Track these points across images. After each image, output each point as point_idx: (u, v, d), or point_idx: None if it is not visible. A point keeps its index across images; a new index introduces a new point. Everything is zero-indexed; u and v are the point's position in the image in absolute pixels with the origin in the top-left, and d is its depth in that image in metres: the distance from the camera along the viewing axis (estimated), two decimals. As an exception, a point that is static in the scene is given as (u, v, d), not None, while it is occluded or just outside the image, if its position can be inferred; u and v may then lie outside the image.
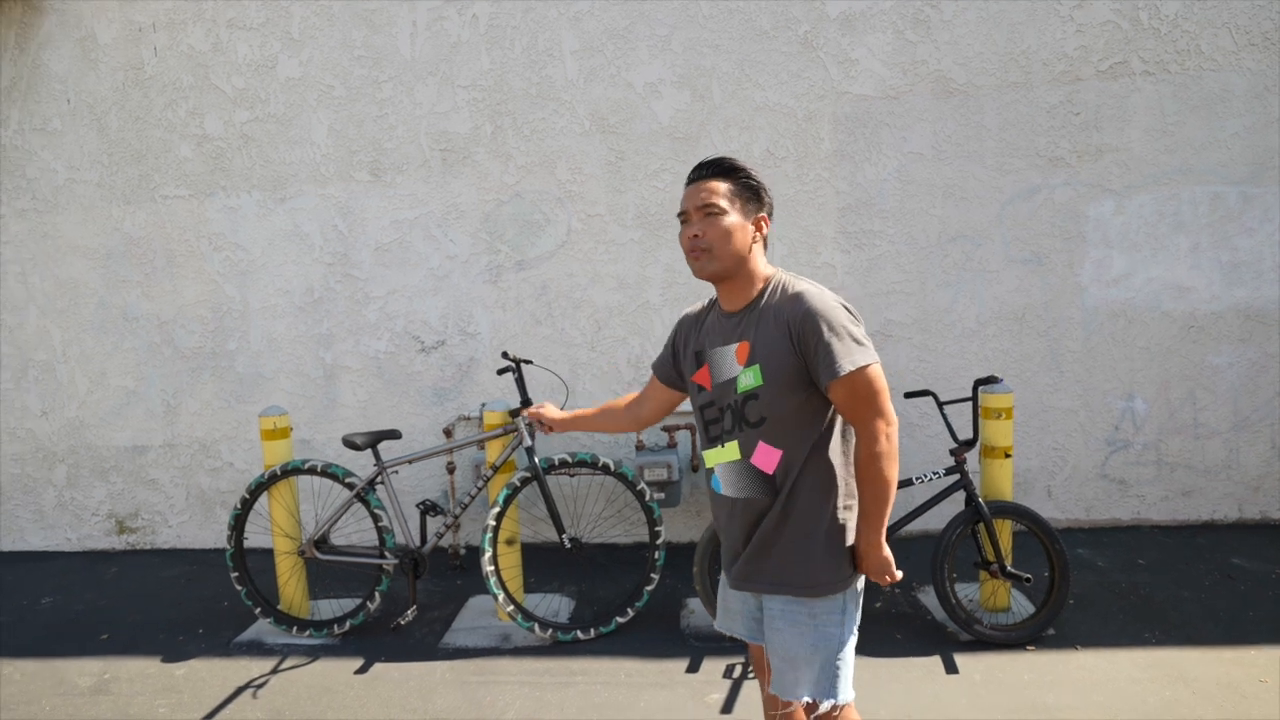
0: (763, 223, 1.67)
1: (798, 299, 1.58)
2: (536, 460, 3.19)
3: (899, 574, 1.64)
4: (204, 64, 4.21)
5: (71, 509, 4.65)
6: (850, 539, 1.65)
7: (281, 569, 3.44)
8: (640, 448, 3.89)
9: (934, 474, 3.14)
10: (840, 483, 1.63)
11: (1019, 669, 2.86)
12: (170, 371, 4.45)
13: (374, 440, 3.26)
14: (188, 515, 4.56)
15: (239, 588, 3.40)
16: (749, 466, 1.64)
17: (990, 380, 3.07)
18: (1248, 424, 4.02)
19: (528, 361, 3.30)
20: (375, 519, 3.30)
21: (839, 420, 1.64)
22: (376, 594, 3.31)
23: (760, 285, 1.65)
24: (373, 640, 3.31)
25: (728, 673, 2.91)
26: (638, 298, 4.12)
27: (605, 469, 3.22)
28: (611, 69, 4.01)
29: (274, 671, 3.11)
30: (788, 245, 4.04)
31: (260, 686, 3.00)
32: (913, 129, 3.93)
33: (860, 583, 1.70)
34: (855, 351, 1.53)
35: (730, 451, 1.67)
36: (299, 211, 4.27)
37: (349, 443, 3.23)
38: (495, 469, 3.27)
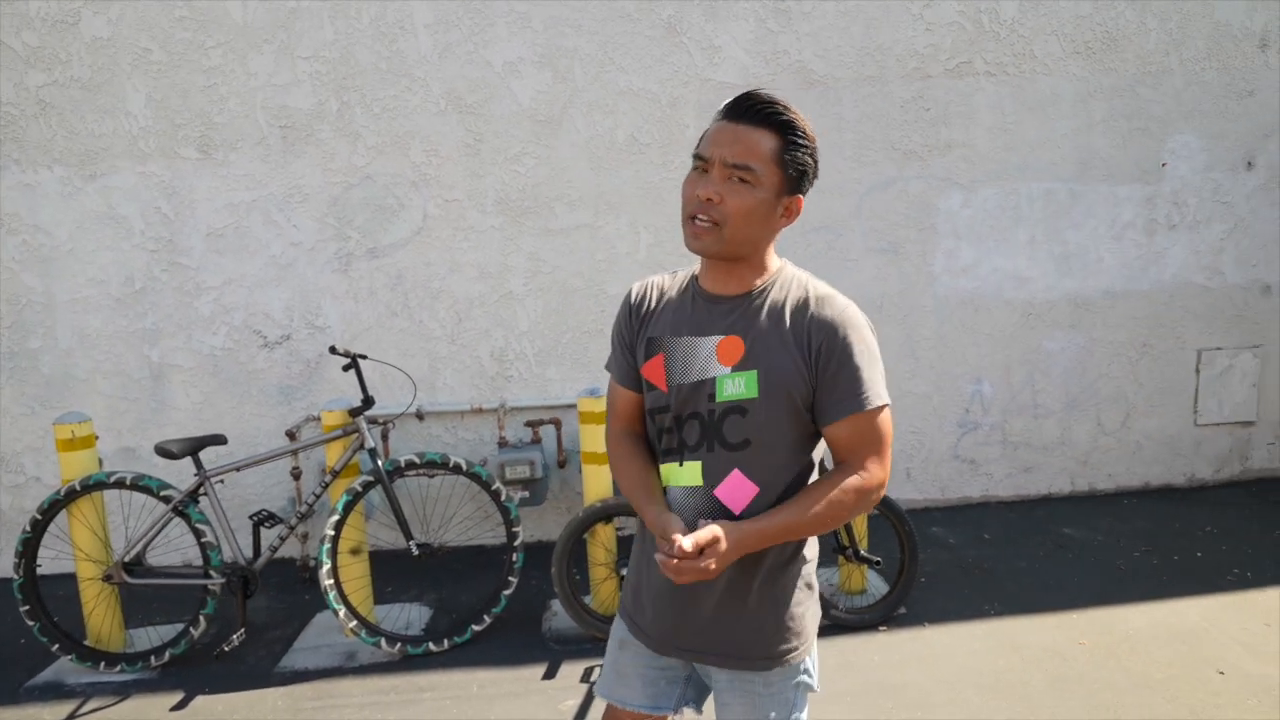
0: (795, 207, 1.28)
1: (825, 303, 1.27)
2: (380, 463, 2.96)
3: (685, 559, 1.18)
4: (-14, 18, 3.64)
5: None
6: (807, 595, 1.35)
7: (87, 597, 3.04)
8: (503, 444, 3.72)
9: (792, 462, 3.16)
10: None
11: (870, 650, 2.92)
12: (-45, 374, 3.84)
13: (193, 447, 2.93)
14: (-17, 539, 3.97)
15: (31, 622, 2.95)
16: (710, 500, 1.27)
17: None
18: (1077, 403, 4.34)
19: (363, 356, 3.06)
20: (198, 534, 2.96)
21: (819, 460, 1.35)
22: (201, 618, 2.97)
23: (768, 273, 1.31)
24: (197, 670, 2.97)
25: (585, 677, 2.81)
26: (500, 288, 3.94)
27: (456, 469, 3.03)
28: (468, 45, 3.79)
29: (71, 717, 2.72)
30: (654, 234, 3.97)
31: (52, 734, 2.61)
32: (775, 119, 3.95)
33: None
34: (881, 385, 1.26)
35: (688, 474, 1.29)
36: (114, 190, 3.78)
37: (163, 451, 2.89)
38: (335, 474, 3.01)
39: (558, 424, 3.79)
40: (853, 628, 3.07)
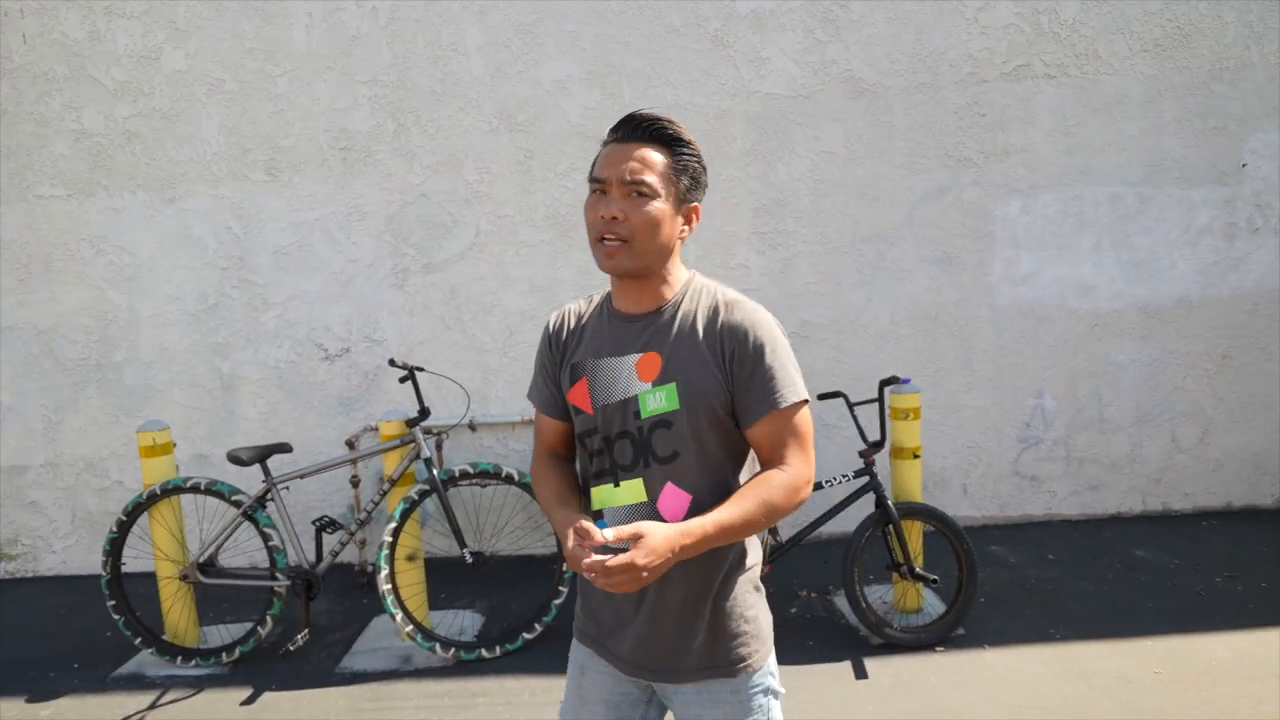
0: (695, 215, 1.34)
1: (732, 309, 1.30)
2: (436, 472, 3.04)
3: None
4: (80, 54, 3.92)
5: (-58, 536, 4.28)
6: (755, 600, 1.38)
7: (165, 595, 3.21)
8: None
9: (843, 477, 3.11)
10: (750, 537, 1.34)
11: (927, 671, 2.85)
12: (50, 385, 4.14)
13: (261, 455, 3.07)
14: (73, 540, 4.25)
15: (116, 617, 3.15)
16: (655, 515, 1.29)
17: (894, 380, 3.06)
18: (1149, 418, 4.13)
19: (419, 369, 3.16)
20: (265, 538, 3.10)
21: (749, 462, 1.36)
22: (268, 618, 3.12)
23: (677, 287, 1.34)
24: (265, 668, 3.11)
25: None
26: (550, 300, 4.00)
27: (509, 479, 3.10)
28: (519, 65, 3.89)
29: (152, 707, 2.89)
30: (702, 246, 3.98)
31: (132, 725, 2.78)
32: (824, 128, 3.92)
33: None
34: (798, 382, 1.28)
35: (630, 493, 1.31)
36: (189, 213, 4.02)
37: (234, 458, 3.04)
38: (392, 482, 3.12)
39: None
40: (908, 647, 2.99)
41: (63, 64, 3.93)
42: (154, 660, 3.18)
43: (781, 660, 2.91)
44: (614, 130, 1.32)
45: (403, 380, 3.18)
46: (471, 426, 3.77)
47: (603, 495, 1.34)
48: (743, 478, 1.34)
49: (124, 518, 3.15)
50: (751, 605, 1.37)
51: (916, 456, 3.19)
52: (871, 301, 4.03)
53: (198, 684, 3.03)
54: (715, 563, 1.31)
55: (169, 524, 3.19)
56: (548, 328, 1.45)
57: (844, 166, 3.95)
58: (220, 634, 3.37)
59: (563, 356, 1.40)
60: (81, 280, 4.07)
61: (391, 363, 3.13)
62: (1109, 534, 4.03)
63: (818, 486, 3.08)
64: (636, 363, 1.30)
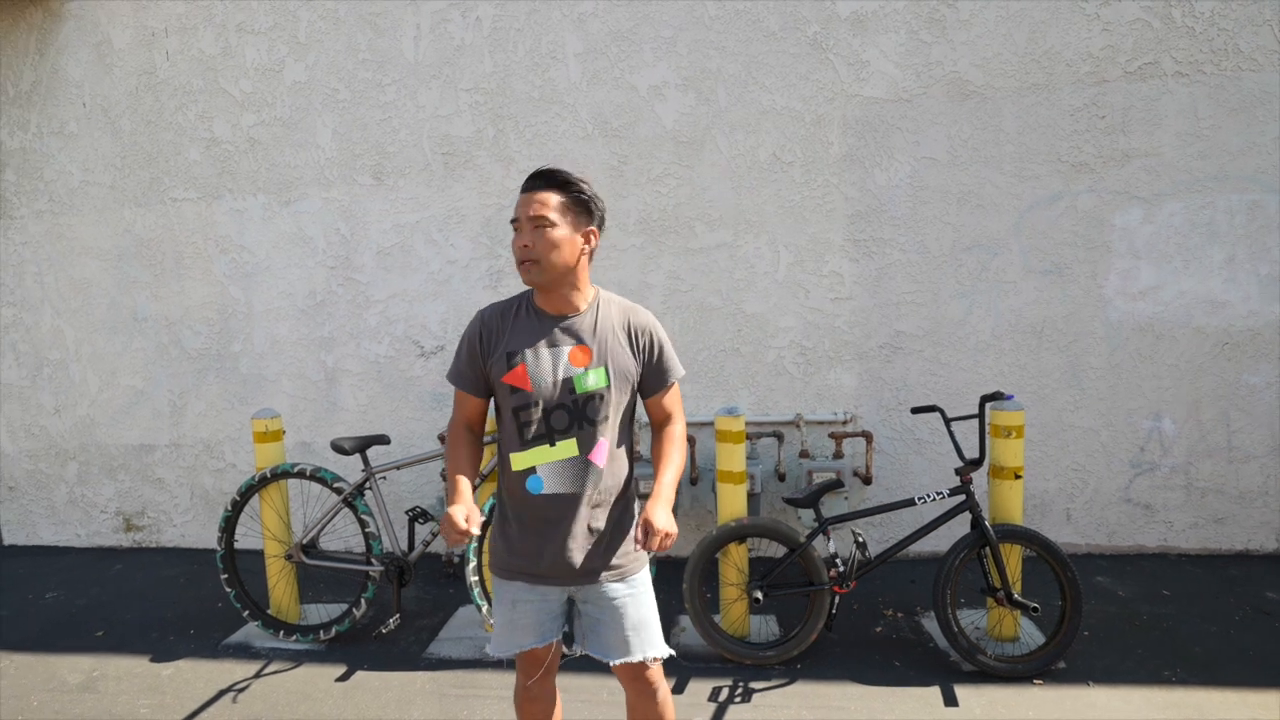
0: (592, 235, 1.76)
1: (637, 312, 1.82)
2: (523, 470, 3.11)
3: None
4: (213, 68, 4.25)
5: (82, 505, 4.72)
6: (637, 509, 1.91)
7: (271, 572, 3.42)
8: (636, 458, 3.79)
9: (937, 494, 2.98)
10: (632, 465, 1.88)
11: (1023, 704, 2.68)
12: (177, 372, 4.49)
13: (362, 445, 3.22)
14: (191, 515, 4.59)
15: (228, 589, 3.38)
16: (585, 462, 1.75)
17: (997, 396, 2.90)
18: (1286, 448, 3.76)
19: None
20: (362, 525, 3.25)
21: (633, 414, 1.87)
22: (363, 601, 3.27)
23: (588, 294, 1.79)
24: (357, 648, 3.27)
25: (713, 695, 2.79)
26: (640, 304, 4.02)
27: (593, 480, 3.13)
28: (615, 71, 3.94)
29: (257, 676, 3.08)
30: (794, 253, 3.91)
31: (241, 691, 2.97)
32: (926, 133, 3.78)
33: None
34: (679, 365, 1.88)
35: (565, 449, 1.75)
36: (303, 215, 4.28)
37: (337, 447, 3.20)
38: (483, 477, 3.20)
39: (692, 441, 3.82)
40: (1003, 677, 2.83)
41: (199, 78, 4.27)
42: (259, 632, 3.40)
43: (865, 680, 2.85)
44: (523, 185, 1.74)
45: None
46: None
47: (536, 455, 1.75)
48: (631, 426, 1.87)
49: (238, 498, 3.37)
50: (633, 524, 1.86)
51: (1018, 477, 3.02)
52: (971, 313, 3.86)
53: (297, 658, 3.21)
54: (620, 492, 1.81)
55: (277, 506, 3.40)
56: (488, 318, 1.81)
57: (946, 172, 3.79)
58: (319, 612, 3.57)
59: (493, 346, 1.78)
60: (206, 276, 4.40)
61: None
62: (1235, 572, 3.69)
63: (909, 504, 2.97)
64: (569, 352, 1.74)
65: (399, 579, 3.21)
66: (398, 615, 3.19)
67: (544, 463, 1.74)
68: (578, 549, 1.77)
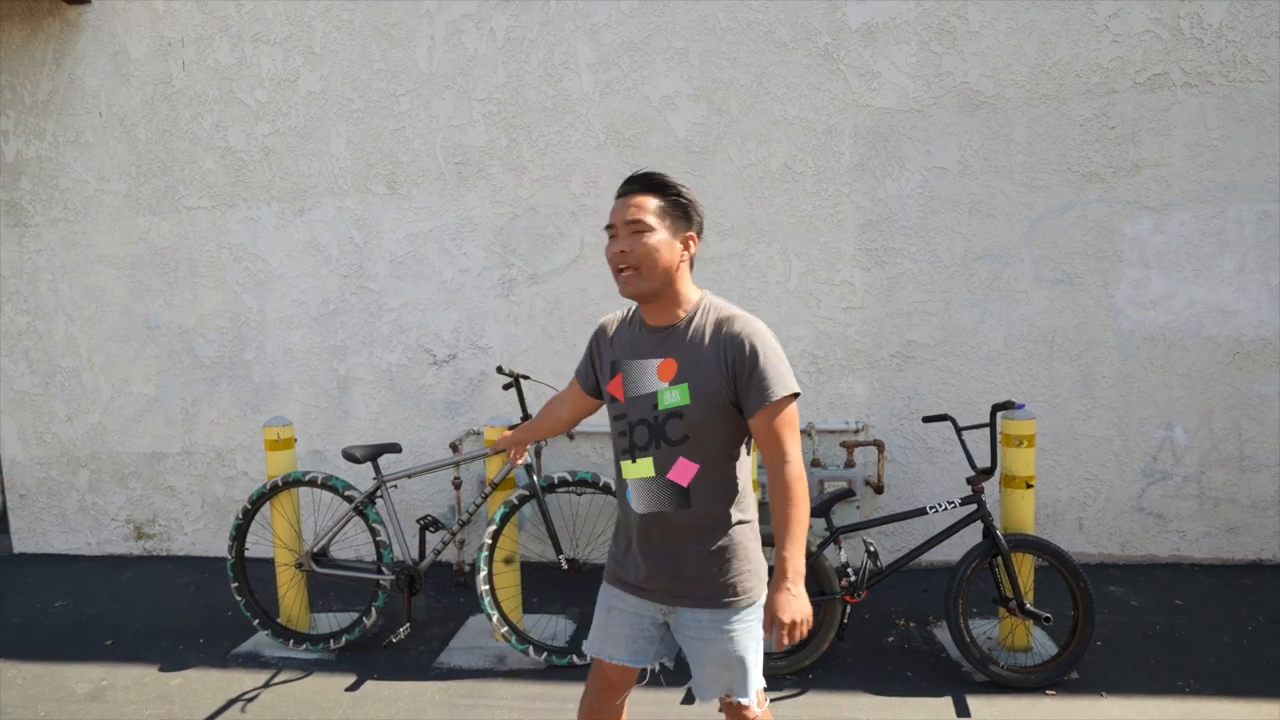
0: (691, 241, 1.66)
1: (732, 322, 1.62)
2: (536, 479, 3.12)
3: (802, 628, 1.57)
4: (229, 78, 4.29)
5: (92, 513, 4.73)
6: (754, 547, 1.73)
7: (281, 581, 3.43)
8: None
9: (949, 503, 2.98)
10: (742, 495, 1.70)
11: (1036, 715, 2.67)
12: (189, 380, 4.52)
13: (373, 454, 3.23)
14: (202, 523, 4.60)
15: (238, 598, 3.39)
16: (665, 482, 1.66)
17: (1008, 405, 2.90)
18: (1300, 458, 3.75)
19: (525, 376, 3.24)
20: (373, 533, 3.26)
21: (746, 440, 1.70)
22: (373, 610, 3.27)
23: (689, 304, 1.66)
24: (368, 657, 3.26)
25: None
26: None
27: (606, 488, 3.13)
28: (628, 82, 3.97)
29: (266, 685, 3.08)
30: (806, 262, 3.92)
31: (250, 700, 2.96)
32: (937, 143, 3.79)
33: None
34: (787, 379, 1.60)
35: (643, 468, 1.67)
36: (316, 224, 4.31)
37: (348, 455, 3.21)
38: (494, 486, 3.21)
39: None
40: (1015, 687, 2.82)
41: (214, 87, 4.31)
42: (269, 641, 3.39)
43: (877, 690, 2.84)
44: (618, 190, 1.66)
45: (507, 387, 3.28)
46: (570, 435, 3.84)
47: (626, 469, 1.71)
48: (741, 450, 1.69)
49: (249, 506, 3.38)
50: (754, 549, 1.72)
51: (1030, 486, 3.02)
52: (983, 323, 3.86)
53: (307, 667, 3.21)
54: (714, 519, 1.67)
55: (288, 514, 3.40)
56: (604, 324, 1.81)
57: (957, 182, 3.81)
58: (329, 621, 3.57)
59: (604, 351, 1.77)
60: (220, 285, 4.43)
61: (499, 370, 3.24)
62: (1248, 582, 3.67)
63: (920, 513, 2.97)
64: (658, 365, 1.65)
65: (410, 588, 3.21)
66: (408, 624, 3.19)
67: (631, 477, 1.70)
68: (665, 570, 1.69)
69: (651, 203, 1.60)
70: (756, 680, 1.72)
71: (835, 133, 3.85)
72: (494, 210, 4.14)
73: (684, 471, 1.63)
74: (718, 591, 1.66)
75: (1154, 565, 3.90)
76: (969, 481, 2.94)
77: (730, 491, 1.67)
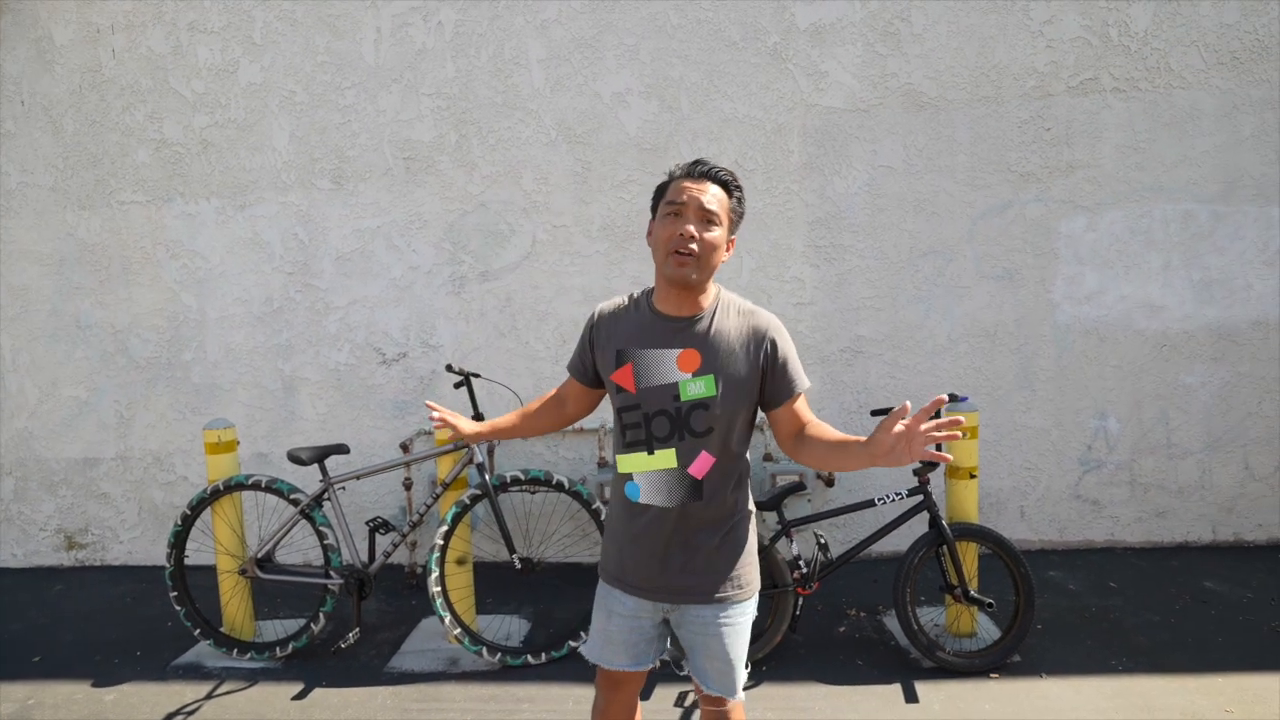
0: (732, 245, 1.69)
1: (755, 316, 1.64)
2: (488, 478, 3.08)
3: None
4: (163, 67, 4.12)
5: (18, 524, 4.49)
6: (754, 539, 1.76)
7: (224, 588, 3.31)
8: (602, 464, 3.79)
9: (896, 495, 3.05)
10: (747, 489, 1.73)
11: (980, 698, 2.76)
12: (124, 382, 4.33)
13: (320, 455, 3.15)
14: (139, 531, 4.41)
15: (178, 608, 3.26)
16: (684, 475, 1.62)
17: (953, 398, 2.99)
18: (1220, 444, 3.95)
19: (476, 375, 3.20)
20: (320, 537, 3.18)
21: (749, 429, 1.72)
22: (321, 615, 3.18)
23: (709, 296, 1.66)
24: (316, 664, 3.18)
25: (679, 700, 2.79)
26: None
27: (559, 486, 3.11)
28: (579, 78, 3.95)
29: (208, 697, 2.97)
30: (757, 259, 3.97)
31: (191, 714, 2.86)
32: (883, 142, 3.88)
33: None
34: (803, 370, 1.67)
35: (663, 460, 1.62)
36: (259, 219, 4.18)
37: (294, 458, 3.12)
38: (445, 486, 3.16)
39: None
40: (961, 672, 2.90)
41: (147, 77, 4.14)
42: (211, 651, 3.28)
43: (829, 680, 2.89)
44: (688, 169, 1.63)
45: (458, 386, 3.24)
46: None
47: (635, 461, 1.65)
48: (749, 444, 1.71)
49: (188, 512, 3.25)
50: (754, 542, 1.74)
51: (973, 477, 3.11)
52: (928, 318, 3.96)
53: (251, 677, 3.10)
54: (724, 511, 1.66)
55: (230, 519, 3.29)
56: (603, 313, 1.75)
57: (902, 181, 3.90)
58: (275, 629, 3.46)
59: (603, 342, 1.71)
60: (156, 283, 4.26)
61: (449, 368, 3.19)
62: (1176, 563, 3.86)
63: (869, 504, 3.03)
64: (677, 357, 1.60)
65: (359, 591, 3.14)
66: (358, 629, 3.12)
67: (641, 471, 1.64)
68: (671, 566, 1.66)
69: (724, 198, 1.61)
70: (744, 675, 1.74)
71: (784, 131, 3.90)
72: (444, 206, 4.07)
73: (702, 464, 1.62)
74: (724, 585, 1.67)
75: (1090, 550, 4.06)
76: (915, 473, 3.01)
77: (740, 484, 1.69)
